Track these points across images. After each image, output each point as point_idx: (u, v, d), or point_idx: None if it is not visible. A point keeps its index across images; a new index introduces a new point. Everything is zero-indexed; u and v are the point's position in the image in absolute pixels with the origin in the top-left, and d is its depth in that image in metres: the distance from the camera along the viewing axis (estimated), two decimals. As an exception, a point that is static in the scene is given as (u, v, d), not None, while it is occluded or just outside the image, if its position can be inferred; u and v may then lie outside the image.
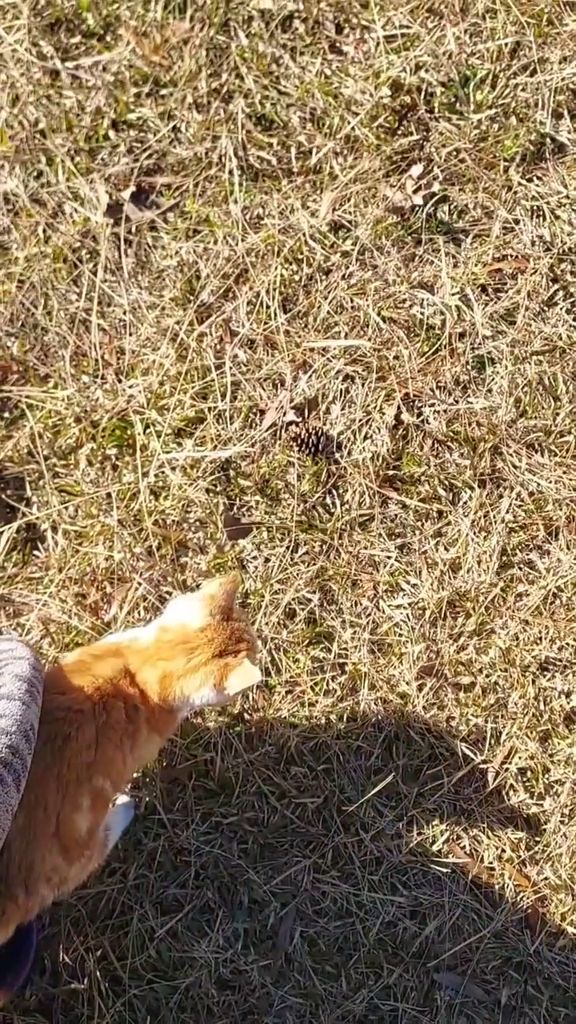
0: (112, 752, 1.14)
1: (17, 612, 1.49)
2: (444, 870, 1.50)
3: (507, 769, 1.54)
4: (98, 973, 1.38)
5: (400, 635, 1.57)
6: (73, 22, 1.65)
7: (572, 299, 1.71)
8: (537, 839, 1.53)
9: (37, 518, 1.52)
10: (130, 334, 1.58)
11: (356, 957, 1.47)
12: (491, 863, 1.52)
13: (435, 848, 1.51)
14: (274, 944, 1.45)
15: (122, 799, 1.40)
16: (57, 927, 1.39)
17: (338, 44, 1.71)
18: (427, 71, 1.70)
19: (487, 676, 1.58)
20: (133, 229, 1.61)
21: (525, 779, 1.55)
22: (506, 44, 1.72)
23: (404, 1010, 1.46)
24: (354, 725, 1.53)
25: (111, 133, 1.63)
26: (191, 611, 1.18)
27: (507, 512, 1.63)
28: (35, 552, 1.52)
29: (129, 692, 1.15)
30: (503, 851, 1.52)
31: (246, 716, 1.51)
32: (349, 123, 1.67)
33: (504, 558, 1.62)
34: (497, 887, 1.51)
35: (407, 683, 1.56)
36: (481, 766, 1.54)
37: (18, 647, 1.09)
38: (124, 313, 1.58)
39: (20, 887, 1.08)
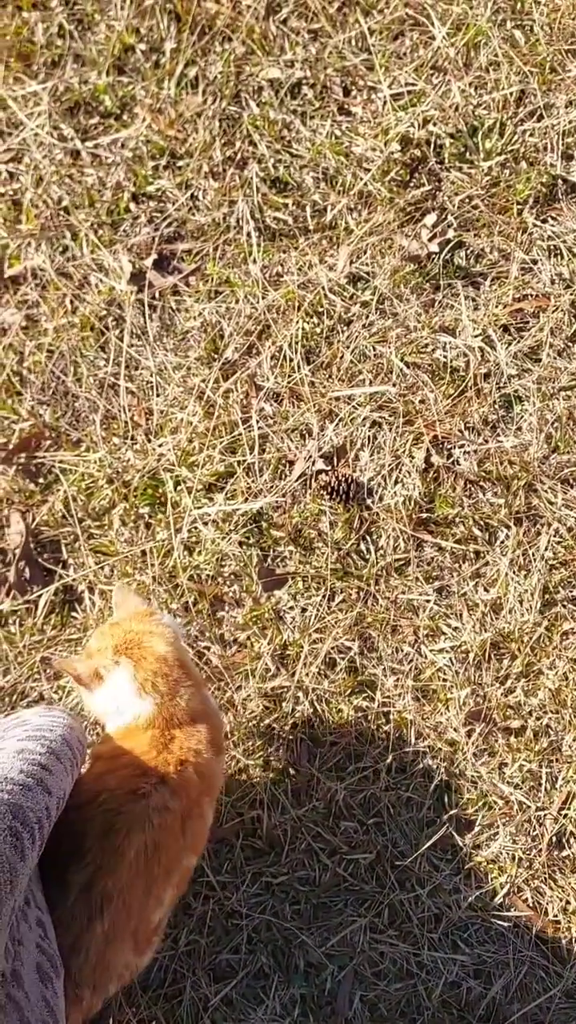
0: (198, 826, 1.20)
1: (57, 675, 1.59)
2: (507, 925, 1.53)
3: (565, 815, 1.59)
4: (153, 1044, 1.43)
5: (444, 680, 1.64)
6: (91, 104, 1.84)
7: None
8: (602, 888, 1.56)
9: (74, 580, 1.64)
10: (158, 395, 1.72)
11: (420, 1022, 1.50)
12: (556, 916, 1.55)
13: (496, 902, 1.55)
14: (333, 1010, 1.49)
15: None
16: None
17: (346, 106, 1.88)
18: (435, 124, 1.86)
19: (538, 719, 1.64)
20: (156, 295, 1.77)
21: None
22: (511, 93, 1.88)
23: (474, 1078, 1.48)
24: (403, 776, 1.59)
25: (132, 205, 1.80)
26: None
27: (546, 549, 1.71)
28: (73, 614, 1.63)
29: (181, 757, 1.21)
30: (568, 902, 1.55)
31: (291, 770, 1.58)
32: (361, 179, 1.82)
33: (547, 596, 1.70)
34: (564, 941, 1.53)
35: (455, 729, 1.62)
36: (537, 813, 1.58)
37: (58, 721, 1.12)
38: (151, 375, 1.72)
39: (89, 987, 1.09)
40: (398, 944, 1.52)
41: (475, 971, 1.53)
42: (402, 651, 1.66)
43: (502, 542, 1.72)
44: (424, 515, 1.72)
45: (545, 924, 1.55)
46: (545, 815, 1.59)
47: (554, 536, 1.72)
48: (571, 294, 1.82)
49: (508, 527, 1.73)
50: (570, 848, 1.58)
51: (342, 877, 1.54)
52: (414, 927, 1.53)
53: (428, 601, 1.68)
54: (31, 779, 0.93)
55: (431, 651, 1.66)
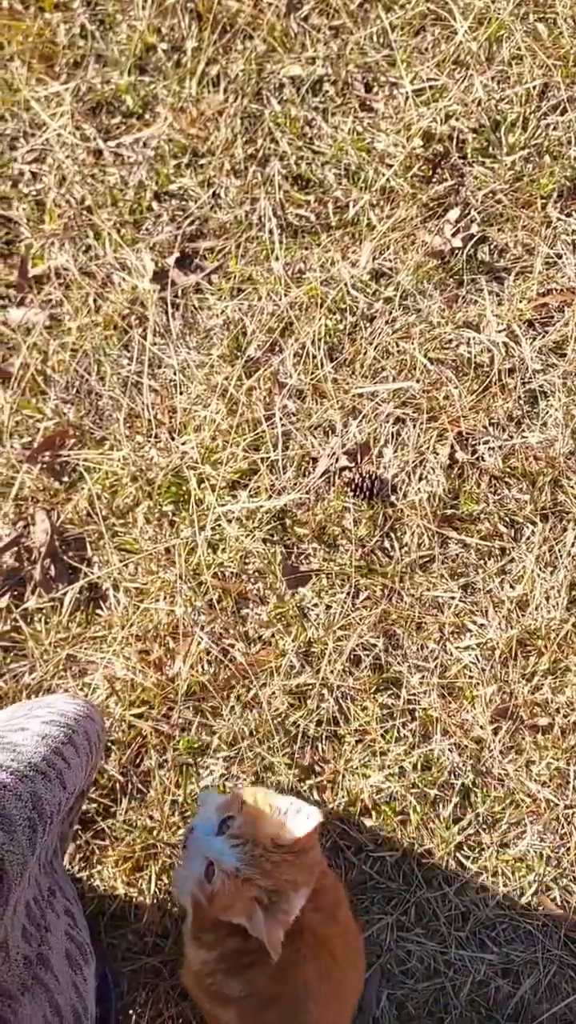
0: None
1: (83, 672, 1.64)
2: (535, 923, 1.57)
3: (594, 813, 1.62)
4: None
5: (470, 677, 1.68)
6: (113, 104, 1.91)
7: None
8: (632, 886, 1.59)
9: (99, 577, 1.69)
10: (181, 393, 1.77)
11: (448, 1021, 1.53)
12: (585, 915, 1.58)
13: (523, 901, 1.58)
14: (360, 1008, 1.53)
15: None
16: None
17: (368, 102, 1.94)
18: (457, 119, 1.91)
19: (565, 716, 1.67)
20: (179, 293, 1.83)
21: (615, 824, 1.62)
22: (534, 87, 1.93)
23: (503, 1078, 1.51)
24: (428, 773, 1.63)
25: (154, 204, 1.86)
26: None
27: (573, 545, 1.75)
28: (98, 611, 1.68)
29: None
30: (597, 901, 1.59)
31: (317, 767, 1.62)
32: (384, 175, 1.87)
33: (574, 593, 1.73)
34: (593, 940, 1.57)
35: (481, 727, 1.66)
36: (566, 811, 1.62)
37: (82, 711, 1.15)
38: (174, 373, 1.78)
39: None
40: (425, 942, 1.56)
41: (503, 970, 1.56)
42: (427, 648, 1.70)
43: (528, 538, 1.76)
44: (449, 511, 1.77)
45: (574, 923, 1.58)
46: (573, 813, 1.63)
47: (581, 532, 1.76)
48: (597, 288, 1.86)
49: (534, 523, 1.77)
50: (599, 846, 1.61)
51: (368, 875, 1.59)
52: (441, 925, 1.57)
53: (453, 598, 1.73)
54: (52, 769, 0.96)
55: (457, 648, 1.71)
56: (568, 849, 1.61)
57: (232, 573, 1.72)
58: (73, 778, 1.03)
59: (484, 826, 1.63)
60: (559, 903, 1.60)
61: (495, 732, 1.66)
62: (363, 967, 1.41)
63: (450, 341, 1.84)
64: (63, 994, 0.81)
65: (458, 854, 1.61)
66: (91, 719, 1.17)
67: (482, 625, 1.72)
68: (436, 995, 1.55)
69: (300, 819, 1.17)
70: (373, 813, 1.62)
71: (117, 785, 1.61)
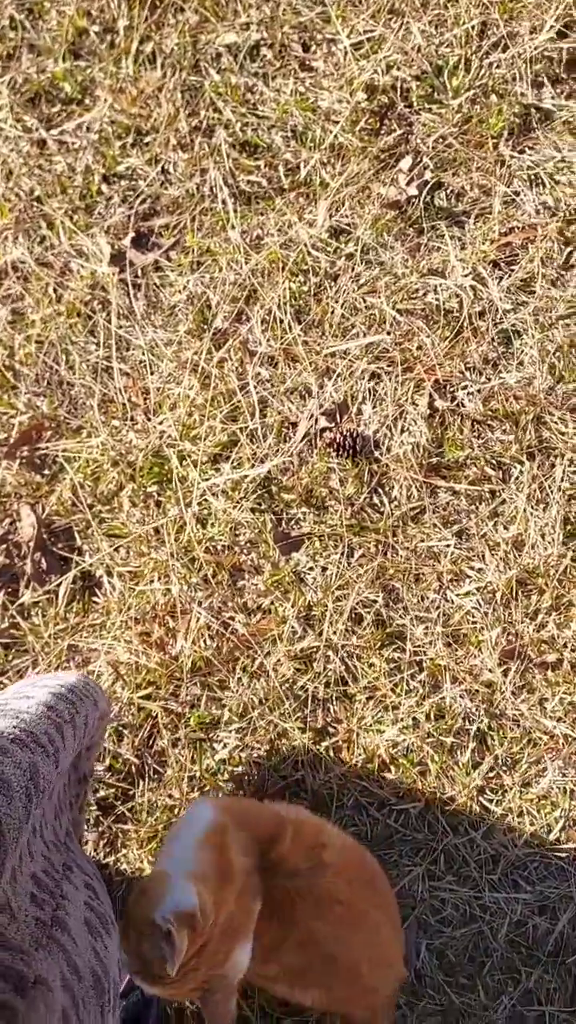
0: None
1: (86, 660, 1.65)
2: (566, 858, 1.58)
3: (612, 742, 1.63)
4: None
5: (474, 623, 1.69)
6: (51, 92, 1.91)
7: (588, 257, 1.86)
8: None
9: (91, 565, 1.70)
10: (152, 373, 1.78)
11: (489, 964, 1.55)
12: (614, 844, 1.59)
13: (552, 837, 1.59)
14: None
15: None
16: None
17: (307, 62, 1.94)
18: (399, 69, 1.91)
19: (573, 651, 1.68)
20: (139, 273, 1.83)
21: None
22: (473, 27, 1.93)
23: (552, 1014, 1.52)
24: (443, 722, 1.64)
25: (104, 187, 1.86)
26: None
27: (562, 480, 1.75)
28: (94, 599, 1.69)
29: None
30: (625, 829, 1.60)
31: (330, 729, 1.63)
32: (331, 133, 1.88)
33: (568, 527, 1.74)
34: (625, 867, 1.58)
35: (490, 670, 1.67)
36: (584, 743, 1.63)
37: (90, 691, 1.15)
38: (143, 354, 1.79)
39: None
40: (458, 889, 1.57)
41: (539, 908, 1.57)
42: (428, 599, 1.71)
43: (517, 478, 1.77)
44: (434, 460, 1.77)
45: (604, 853, 1.59)
46: (592, 744, 1.64)
47: (569, 466, 1.77)
48: (557, 221, 1.87)
49: (521, 463, 1.77)
50: (621, 774, 1.62)
51: (394, 828, 1.60)
52: (472, 870, 1.58)
53: (448, 546, 1.73)
54: (51, 745, 0.96)
55: (457, 595, 1.71)
56: (590, 780, 1.62)
57: (224, 546, 1.72)
58: (66, 758, 1.03)
59: (504, 768, 1.64)
60: (587, 835, 1.61)
61: (504, 674, 1.67)
62: (385, 887, 1.44)
63: (417, 291, 1.85)
64: (81, 956, 0.82)
65: (481, 798, 1.62)
66: (96, 701, 1.18)
67: (480, 570, 1.73)
68: (475, 940, 1.56)
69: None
70: (392, 767, 1.63)
71: (133, 768, 1.62)
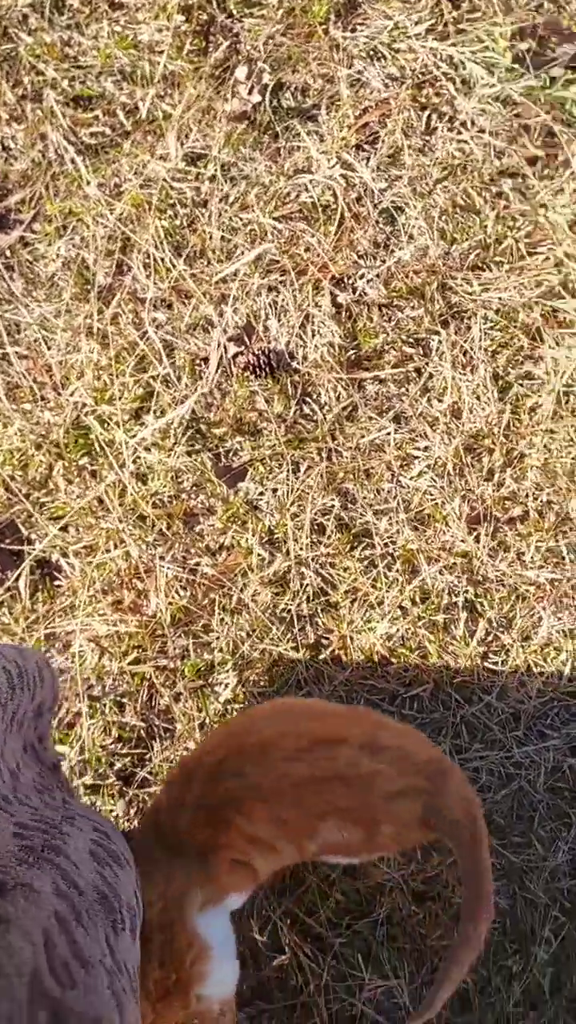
0: None
1: (66, 644, 1.64)
2: (568, 681, 1.60)
3: (597, 573, 1.64)
4: (295, 938, 1.49)
5: (434, 500, 1.69)
6: None
7: (447, 116, 1.85)
8: None
9: (44, 552, 1.68)
10: (49, 348, 1.75)
11: (537, 816, 1.56)
12: (625, 668, 1.61)
13: (564, 680, 1.61)
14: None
15: None
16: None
17: (115, 0, 1.90)
18: (208, -20, 1.88)
19: (535, 499, 1.69)
20: (7, 254, 1.80)
21: (621, 576, 1.64)
22: None
23: (609, 846, 1.55)
24: (430, 603, 1.64)
25: (-51, 179, 1.82)
26: None
27: (482, 338, 1.75)
28: (57, 584, 1.68)
29: None
30: (631, 651, 1.61)
31: (323, 641, 1.63)
32: (159, 64, 1.84)
33: (500, 382, 1.74)
34: None
35: (462, 541, 1.67)
36: (570, 582, 1.64)
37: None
38: (36, 332, 1.76)
39: None
40: (488, 754, 1.58)
41: (570, 750, 1.59)
42: (383, 490, 1.71)
43: (437, 349, 1.76)
44: (352, 355, 1.76)
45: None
46: (578, 581, 1.65)
47: (485, 323, 1.77)
48: (408, 89, 1.85)
49: (437, 333, 1.77)
50: (613, 601, 1.64)
51: (409, 716, 1.60)
52: (496, 733, 1.59)
53: (389, 434, 1.73)
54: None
55: (411, 479, 1.71)
56: (585, 615, 1.64)
57: (170, 496, 1.71)
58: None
59: (500, 628, 1.65)
60: (597, 668, 1.62)
61: (477, 540, 1.68)
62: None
63: (288, 194, 1.83)
64: (83, 876, 0.81)
65: (486, 664, 1.63)
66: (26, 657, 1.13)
67: (426, 448, 1.73)
68: (517, 798, 1.58)
69: None
70: (393, 659, 1.63)
71: (143, 732, 1.61)
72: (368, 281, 1.80)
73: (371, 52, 1.88)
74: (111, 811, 1.58)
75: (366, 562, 1.68)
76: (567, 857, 1.55)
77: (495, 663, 1.63)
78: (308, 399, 1.76)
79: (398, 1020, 1.49)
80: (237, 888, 1.21)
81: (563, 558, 1.67)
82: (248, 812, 1.17)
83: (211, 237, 1.80)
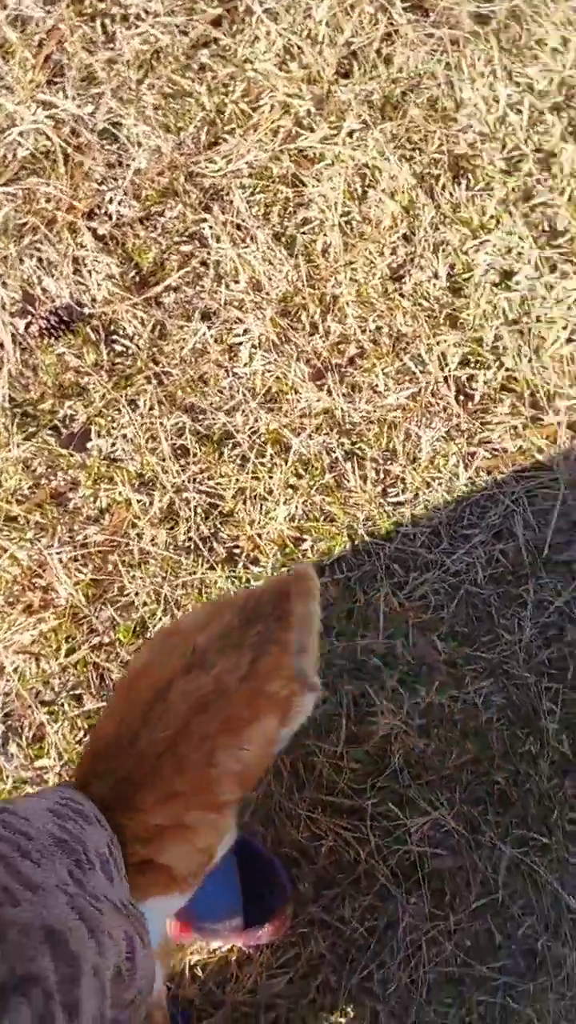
0: None
1: (0, 668, 1.61)
2: (487, 491, 1.64)
3: (452, 375, 1.67)
4: (331, 821, 1.52)
5: (274, 375, 1.69)
6: None
7: (118, 16, 1.81)
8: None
9: None
10: None
11: (493, 609, 1.61)
12: (505, 447, 1.65)
13: (462, 483, 1.65)
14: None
15: None
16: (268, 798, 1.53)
17: None
18: None
19: (364, 331, 1.70)
20: None
21: (470, 369, 1.68)
22: None
23: (567, 611, 1.60)
24: (313, 469, 1.66)
25: None
26: None
27: (248, 207, 1.74)
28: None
29: None
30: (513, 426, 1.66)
31: (235, 550, 1.64)
32: None
33: (283, 240, 1.75)
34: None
35: (317, 400, 1.68)
36: (429, 388, 1.67)
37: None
38: None
39: None
40: (426, 576, 1.62)
41: (495, 536, 1.64)
42: (223, 388, 1.71)
43: (212, 232, 1.75)
44: (136, 277, 1.74)
45: (499, 460, 1.65)
46: (436, 386, 1.68)
47: (244, 192, 1.76)
48: (68, 5, 1.80)
49: (204, 220, 1.75)
50: (494, 411, 1.68)
51: (341, 578, 1.63)
52: (425, 556, 1.63)
53: (204, 333, 1.72)
54: None
55: (244, 367, 1.71)
56: (454, 416, 1.67)
57: (30, 487, 1.68)
58: None
59: (388, 462, 1.67)
60: (491, 454, 1.66)
61: (328, 393, 1.69)
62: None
63: (5, 156, 1.77)
64: (32, 826, 0.79)
65: (388, 500, 1.66)
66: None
67: (245, 331, 1.72)
68: (468, 603, 1.63)
69: None
70: (306, 536, 1.65)
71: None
72: (119, 202, 1.77)
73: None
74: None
75: (239, 460, 1.68)
76: (534, 631, 1.60)
77: (396, 495, 1.66)
78: (115, 337, 1.73)
79: (453, 844, 1.54)
80: (157, 892, 1.00)
81: (412, 372, 1.70)
82: (136, 807, 0.99)
83: (-51, 227, 1.74)
